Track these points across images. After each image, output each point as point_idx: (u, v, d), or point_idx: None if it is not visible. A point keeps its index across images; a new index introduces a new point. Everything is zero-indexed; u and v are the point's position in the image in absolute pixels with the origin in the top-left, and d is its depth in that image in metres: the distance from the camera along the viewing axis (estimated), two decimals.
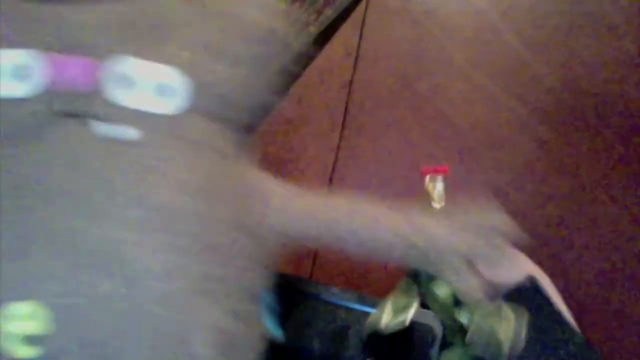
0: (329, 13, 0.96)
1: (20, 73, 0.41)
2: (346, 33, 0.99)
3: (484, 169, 0.95)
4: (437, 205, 0.72)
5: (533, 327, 0.55)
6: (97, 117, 0.41)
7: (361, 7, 0.98)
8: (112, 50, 0.42)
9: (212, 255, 0.42)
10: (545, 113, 0.92)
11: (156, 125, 0.42)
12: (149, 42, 0.44)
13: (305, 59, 0.56)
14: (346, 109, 0.94)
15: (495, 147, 0.94)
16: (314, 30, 0.96)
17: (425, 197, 0.73)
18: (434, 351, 0.66)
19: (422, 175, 0.74)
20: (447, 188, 0.73)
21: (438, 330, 0.68)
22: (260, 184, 0.48)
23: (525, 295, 0.72)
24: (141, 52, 0.43)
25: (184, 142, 0.43)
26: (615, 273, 0.90)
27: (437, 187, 0.72)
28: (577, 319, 0.91)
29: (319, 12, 0.97)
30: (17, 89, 0.41)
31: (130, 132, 0.41)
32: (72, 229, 0.39)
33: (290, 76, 0.50)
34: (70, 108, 0.41)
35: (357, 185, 0.56)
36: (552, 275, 0.92)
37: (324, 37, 0.98)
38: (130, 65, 0.43)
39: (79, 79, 0.41)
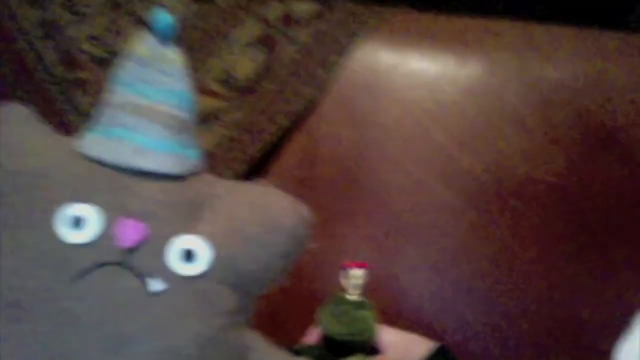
0: (284, 122, 1.09)
1: (84, 224, 0.49)
2: (301, 140, 1.10)
3: (423, 249, 1.03)
4: (350, 296, 0.82)
5: None
6: (136, 271, 0.49)
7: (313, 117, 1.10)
8: (166, 222, 0.52)
9: None
10: (473, 198, 1.02)
11: (181, 284, 0.50)
12: (193, 218, 0.53)
13: None
14: None
15: (433, 230, 1.03)
16: (272, 139, 1.09)
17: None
18: None
19: (343, 269, 0.82)
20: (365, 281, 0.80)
21: None
22: (245, 339, 0.56)
23: None
24: (185, 227, 0.52)
25: (199, 301, 0.51)
26: (547, 340, 0.98)
27: (351, 281, 0.81)
28: None
29: (276, 122, 1.09)
30: (77, 237, 0.49)
31: (160, 286, 0.49)
32: (101, 357, 0.47)
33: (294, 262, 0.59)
34: (116, 259, 0.49)
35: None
36: (492, 342, 1.00)
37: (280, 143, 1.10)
38: (176, 238, 0.51)
39: (132, 238, 0.49)
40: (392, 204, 1.06)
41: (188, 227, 0.53)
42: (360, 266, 0.82)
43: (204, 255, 0.52)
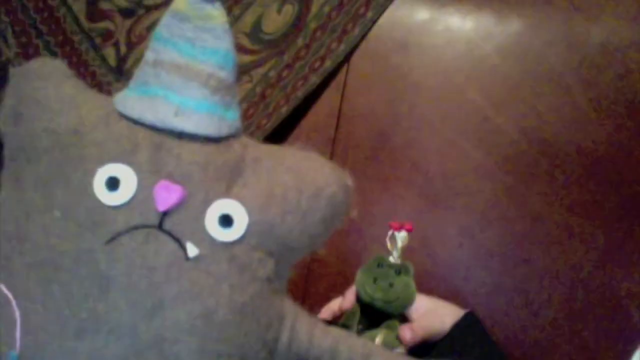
0: (314, 79, 1.06)
1: (121, 185, 0.48)
2: (329, 95, 1.08)
3: (454, 213, 1.00)
4: (393, 259, 0.82)
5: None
6: (173, 234, 0.48)
7: (342, 72, 1.07)
8: (204, 186, 0.50)
9: None
10: (507, 161, 0.98)
11: (218, 249, 0.49)
12: (231, 182, 0.51)
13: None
14: None
15: (464, 193, 1.00)
16: (300, 94, 1.07)
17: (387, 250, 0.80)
18: None
19: (391, 228, 0.80)
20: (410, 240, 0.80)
21: None
22: (281, 306, 0.54)
23: (464, 330, 0.80)
24: (223, 191, 0.50)
25: (235, 267, 0.49)
26: (580, 308, 0.95)
27: (397, 243, 0.82)
28: (548, 351, 0.98)
29: (305, 79, 1.07)
30: (113, 198, 0.48)
31: (196, 251, 0.48)
32: (131, 322, 0.46)
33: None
34: (152, 222, 0.48)
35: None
36: (520, 309, 0.99)
37: (310, 99, 1.07)
38: (213, 202, 0.50)
39: (168, 201, 0.48)
40: (424, 166, 1.03)
41: (226, 191, 0.51)
42: (406, 228, 0.80)
43: (242, 220, 0.50)
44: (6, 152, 0.51)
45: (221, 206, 0.50)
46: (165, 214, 0.48)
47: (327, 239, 0.57)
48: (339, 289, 0.86)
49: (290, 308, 0.55)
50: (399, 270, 0.79)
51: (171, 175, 0.49)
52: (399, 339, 0.76)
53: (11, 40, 1.09)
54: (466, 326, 0.79)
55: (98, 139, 0.49)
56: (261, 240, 0.51)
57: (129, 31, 1.08)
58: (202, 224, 0.49)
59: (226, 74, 0.52)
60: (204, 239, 0.49)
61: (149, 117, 0.50)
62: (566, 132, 0.98)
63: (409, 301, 0.79)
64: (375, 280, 0.79)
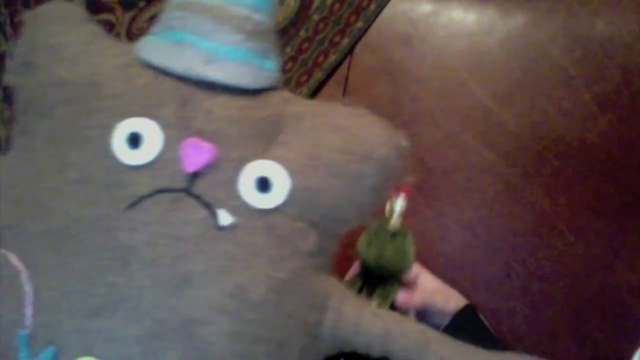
0: (319, 75, 1.04)
1: (144, 143, 0.41)
2: (331, 90, 1.06)
3: (456, 208, 0.99)
4: (392, 224, 0.82)
5: None
6: (202, 200, 0.41)
7: (344, 65, 1.05)
8: (238, 144, 0.43)
9: (274, 348, 0.42)
10: (510, 156, 0.97)
11: (254, 217, 0.42)
12: (269, 141, 0.44)
13: None
14: None
15: (466, 187, 0.98)
16: (305, 91, 1.04)
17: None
18: None
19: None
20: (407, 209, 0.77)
21: None
22: (325, 285, 0.47)
23: (465, 321, 0.80)
24: (260, 151, 0.44)
25: (273, 238, 0.43)
26: (583, 304, 0.97)
27: (394, 207, 0.82)
28: (550, 347, 0.98)
29: (309, 74, 1.05)
30: (135, 158, 0.41)
31: (229, 219, 0.41)
32: (155, 299, 0.39)
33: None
34: (179, 185, 0.41)
35: None
36: (522, 304, 0.99)
37: (313, 95, 1.05)
38: (249, 163, 0.43)
39: (198, 161, 0.41)
40: (425, 160, 1.02)
41: (263, 151, 0.44)
42: (404, 191, 0.79)
43: (282, 185, 0.44)
44: (17, 106, 0.45)
45: (258, 168, 0.44)
46: (194, 176, 0.42)
47: (379, 206, 0.52)
48: (344, 276, 0.85)
49: (335, 287, 0.48)
50: (395, 234, 0.79)
51: (201, 132, 0.43)
52: (391, 308, 0.74)
53: (9, 32, 1.07)
54: (465, 317, 0.78)
55: (117, 91, 0.44)
56: (303, 208, 0.45)
57: (130, 24, 1.06)
58: (236, 188, 0.43)
59: (263, 17, 0.46)
60: (238, 205, 0.43)
61: (176, 65, 0.44)
62: (569, 126, 0.97)
63: (403, 265, 0.79)
64: (369, 243, 0.79)
